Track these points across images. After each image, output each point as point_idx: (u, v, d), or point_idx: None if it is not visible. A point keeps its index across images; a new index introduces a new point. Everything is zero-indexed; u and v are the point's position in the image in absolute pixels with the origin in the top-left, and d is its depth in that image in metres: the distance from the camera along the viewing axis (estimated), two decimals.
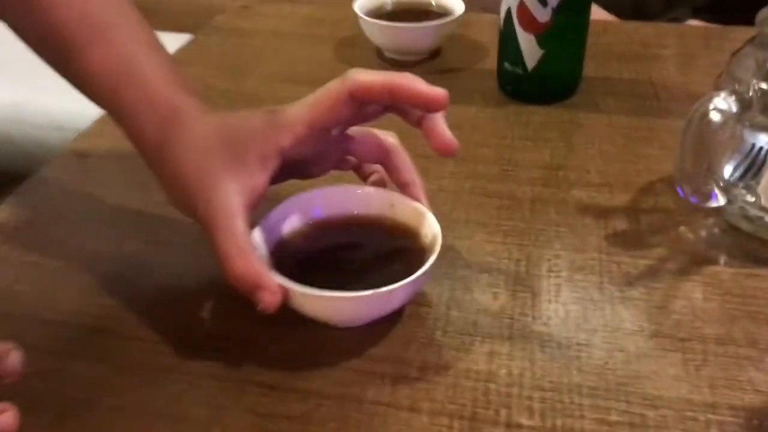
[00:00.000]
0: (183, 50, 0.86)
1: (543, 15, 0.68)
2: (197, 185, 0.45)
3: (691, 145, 0.51)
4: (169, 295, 0.51)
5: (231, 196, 0.44)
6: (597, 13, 1.06)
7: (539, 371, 0.45)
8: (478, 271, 0.52)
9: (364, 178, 0.53)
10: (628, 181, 0.61)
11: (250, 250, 0.44)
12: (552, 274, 0.52)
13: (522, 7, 0.69)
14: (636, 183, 0.61)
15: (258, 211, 0.46)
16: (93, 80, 0.49)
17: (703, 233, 0.56)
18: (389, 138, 0.49)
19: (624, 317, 0.48)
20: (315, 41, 0.87)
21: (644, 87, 0.76)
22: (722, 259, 0.53)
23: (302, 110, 0.45)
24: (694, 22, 1.15)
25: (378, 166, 0.51)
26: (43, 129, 1.33)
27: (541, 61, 0.70)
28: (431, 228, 0.47)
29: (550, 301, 0.50)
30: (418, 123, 0.47)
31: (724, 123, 0.50)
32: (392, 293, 0.43)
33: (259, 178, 0.45)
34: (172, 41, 0.76)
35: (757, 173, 0.53)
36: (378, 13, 0.82)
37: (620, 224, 0.56)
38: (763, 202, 0.53)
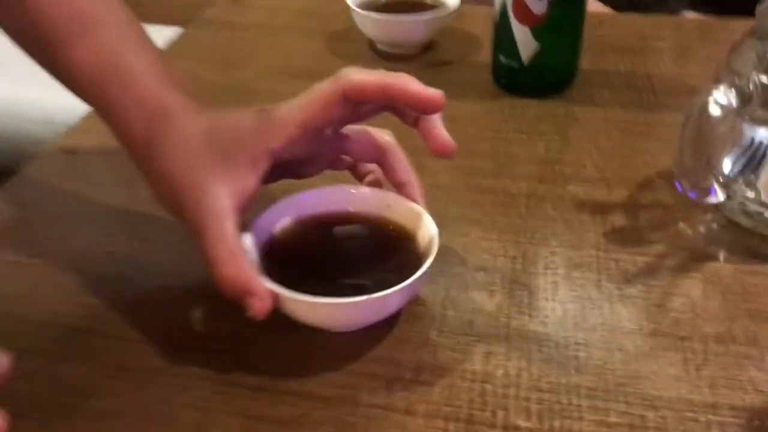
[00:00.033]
0: (174, 44, 0.85)
1: (539, 7, 0.67)
2: (185, 184, 0.44)
3: (690, 139, 0.50)
4: (157, 294, 0.50)
5: (221, 198, 0.43)
6: (593, 5, 1.06)
7: (536, 371, 0.44)
8: (473, 269, 0.51)
9: (359, 178, 0.51)
10: (626, 176, 0.60)
11: (239, 254, 0.42)
12: (549, 272, 0.51)
13: (518, 0, 0.68)
14: (633, 178, 0.60)
15: (249, 212, 0.45)
16: (80, 76, 0.48)
17: (703, 229, 0.55)
18: (385, 136, 0.48)
19: (623, 316, 0.47)
20: (307, 34, 0.86)
21: (640, 80, 0.75)
22: (722, 255, 0.53)
23: (294, 111, 0.44)
24: (690, 14, 1.14)
25: (374, 166, 0.50)
26: (34, 123, 1.31)
27: (537, 54, 0.69)
28: (428, 230, 0.46)
29: (547, 299, 0.49)
30: (415, 123, 0.46)
31: (723, 117, 0.49)
32: (387, 298, 0.42)
33: (250, 180, 0.44)
34: (163, 34, 0.75)
35: (757, 168, 0.52)
36: (371, 6, 0.81)
37: (618, 220, 0.56)
38: (762, 197, 0.53)
